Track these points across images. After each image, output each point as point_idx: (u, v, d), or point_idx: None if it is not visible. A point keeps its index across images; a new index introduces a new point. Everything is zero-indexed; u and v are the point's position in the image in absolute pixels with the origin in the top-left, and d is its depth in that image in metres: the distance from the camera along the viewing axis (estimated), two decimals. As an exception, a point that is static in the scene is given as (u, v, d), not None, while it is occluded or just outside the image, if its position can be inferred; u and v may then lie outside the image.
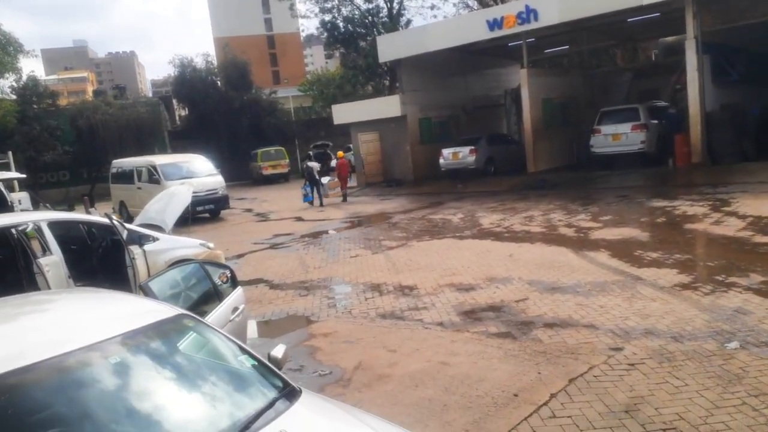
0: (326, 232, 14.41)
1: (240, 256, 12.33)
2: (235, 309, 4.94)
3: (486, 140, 21.95)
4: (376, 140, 24.71)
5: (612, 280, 7.48)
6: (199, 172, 18.86)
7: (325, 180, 21.66)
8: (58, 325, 2.99)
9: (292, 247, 12.88)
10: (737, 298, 6.29)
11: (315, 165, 21.01)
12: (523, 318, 6.51)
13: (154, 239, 8.02)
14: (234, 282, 5.26)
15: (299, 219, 17.46)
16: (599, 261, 8.58)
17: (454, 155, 21.53)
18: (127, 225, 8.01)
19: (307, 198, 20.35)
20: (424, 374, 5.26)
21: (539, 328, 6.13)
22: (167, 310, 3.17)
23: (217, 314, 4.61)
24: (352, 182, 23.97)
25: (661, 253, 8.58)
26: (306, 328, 7.18)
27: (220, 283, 5.14)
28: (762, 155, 16.16)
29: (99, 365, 2.59)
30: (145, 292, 4.39)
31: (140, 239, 7.72)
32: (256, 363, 3.04)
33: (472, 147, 21.23)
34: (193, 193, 16.56)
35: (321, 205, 20.06)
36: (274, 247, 13.11)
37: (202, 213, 18.43)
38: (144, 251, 7.60)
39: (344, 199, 20.94)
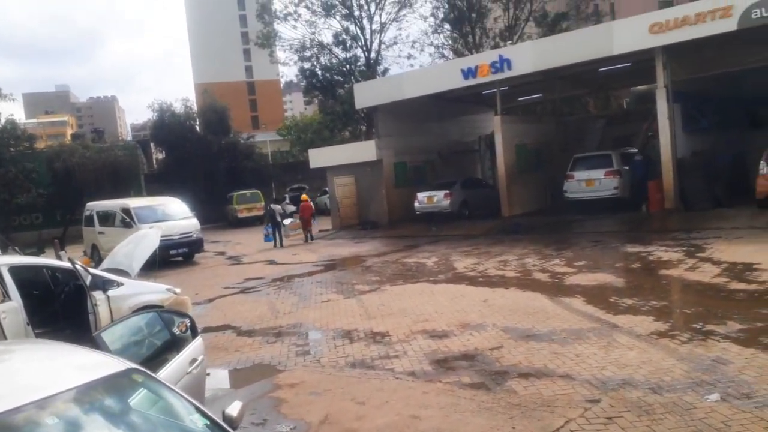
0: (298, 275, 14.10)
1: (210, 300, 11.99)
2: (194, 360, 4.69)
3: (461, 184, 22.07)
4: (352, 183, 24.73)
5: (588, 328, 7.31)
6: (174, 215, 18.66)
7: (287, 221, 22.46)
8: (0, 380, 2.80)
9: (262, 291, 12.55)
10: (716, 347, 6.14)
11: (277, 207, 21.93)
12: (497, 367, 6.28)
13: (119, 284, 7.79)
14: (194, 332, 4.99)
15: (271, 262, 17.14)
16: (574, 307, 8.43)
17: (429, 199, 21.58)
18: (92, 270, 7.74)
19: (268, 238, 21.16)
20: (394, 429, 4.98)
21: (514, 378, 5.90)
22: (116, 364, 2.97)
23: (173, 366, 4.38)
24: (317, 225, 23.99)
25: (636, 300, 8.47)
26: (272, 378, 6.85)
27: (178, 332, 4.86)
28: (734, 201, 16.41)
29: (41, 423, 2.40)
30: (97, 343, 4.14)
31: (104, 284, 7.47)
32: (209, 422, 2.84)
33: (447, 191, 21.32)
34: (167, 236, 16.72)
35: (281, 246, 20.68)
36: (244, 291, 12.77)
37: (176, 256, 18.15)
38: (108, 297, 7.36)
39: (307, 240, 21.55)
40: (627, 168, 18.86)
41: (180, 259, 18.43)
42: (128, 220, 17.70)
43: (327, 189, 27.66)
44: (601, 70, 20.19)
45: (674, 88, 16.90)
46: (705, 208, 16.20)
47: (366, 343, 7.73)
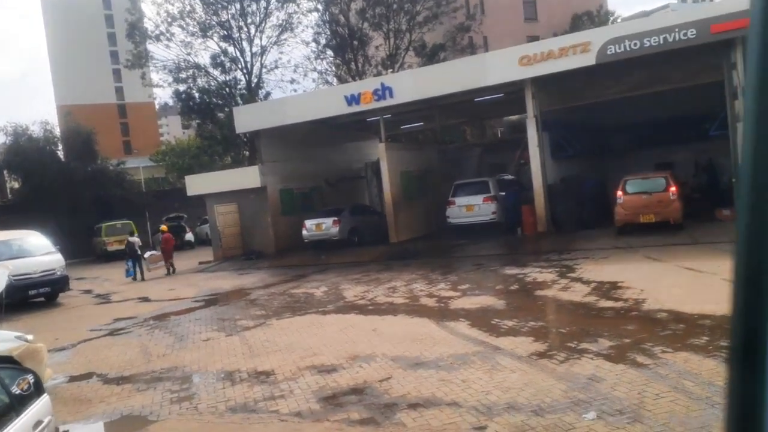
0: (175, 313, 13.18)
1: (73, 345, 10.85)
2: (38, 423, 4.10)
3: (349, 211, 21.99)
4: (235, 212, 23.85)
5: (472, 352, 7.36)
6: (33, 250, 16.70)
7: (147, 254, 21.80)
8: None
9: (134, 332, 11.56)
10: (590, 365, 6.37)
11: (136, 240, 21.40)
12: (386, 400, 6.10)
13: (-44, 335, 6.80)
14: (39, 389, 4.37)
15: (145, 299, 15.96)
16: (459, 331, 8.50)
17: (318, 226, 21.26)
18: None
19: (129, 273, 20.51)
20: (277, 479, 4.61)
21: (403, 410, 5.74)
22: None
23: (12, 432, 3.78)
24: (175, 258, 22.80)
25: (516, 321, 8.70)
26: (142, 431, 6.19)
27: (19, 391, 4.21)
28: (598, 223, 17.68)
29: None
30: None
31: (-63, 336, 6.49)
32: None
33: (336, 218, 21.13)
34: (25, 275, 15.04)
35: (142, 279, 20.30)
36: (113, 333, 11.70)
37: (36, 297, 16.28)
38: (-59, 350, 6.38)
39: (169, 273, 21.10)
40: (503, 194, 19.77)
41: (42, 299, 16.60)
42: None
43: (207, 218, 26.49)
44: (476, 100, 21.15)
45: (543, 118, 18.06)
46: (573, 230, 17.32)
47: (249, 383, 7.25)
